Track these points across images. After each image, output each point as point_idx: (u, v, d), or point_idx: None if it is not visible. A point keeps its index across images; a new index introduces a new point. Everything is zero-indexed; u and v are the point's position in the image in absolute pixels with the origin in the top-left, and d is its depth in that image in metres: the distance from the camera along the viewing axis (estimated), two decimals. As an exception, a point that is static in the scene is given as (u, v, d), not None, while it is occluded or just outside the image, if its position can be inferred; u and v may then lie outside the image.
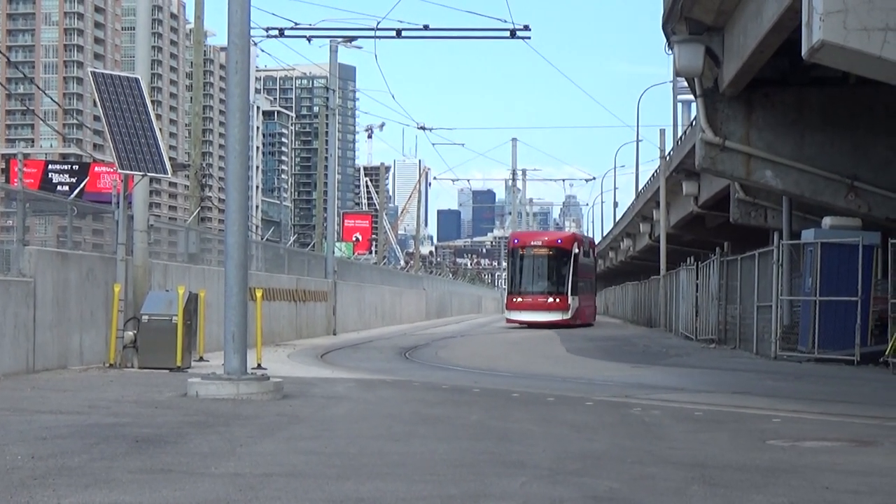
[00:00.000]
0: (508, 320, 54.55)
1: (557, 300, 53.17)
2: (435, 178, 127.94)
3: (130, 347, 20.61)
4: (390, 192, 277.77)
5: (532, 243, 55.61)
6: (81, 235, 23.76)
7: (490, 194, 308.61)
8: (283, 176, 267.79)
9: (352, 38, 42.43)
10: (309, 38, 39.44)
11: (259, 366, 20.52)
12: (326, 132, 52.67)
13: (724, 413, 14.41)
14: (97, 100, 20.61)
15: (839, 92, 25.75)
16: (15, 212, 19.40)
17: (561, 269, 53.90)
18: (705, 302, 38.45)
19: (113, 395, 15.20)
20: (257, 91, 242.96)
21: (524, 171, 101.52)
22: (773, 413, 14.27)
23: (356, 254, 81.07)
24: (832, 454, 10.68)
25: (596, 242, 78.23)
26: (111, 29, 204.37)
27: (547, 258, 54.23)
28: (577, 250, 54.91)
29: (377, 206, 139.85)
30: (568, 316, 53.01)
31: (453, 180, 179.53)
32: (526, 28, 36.13)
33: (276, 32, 38.23)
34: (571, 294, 53.60)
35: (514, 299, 54.31)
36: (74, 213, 21.98)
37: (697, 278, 40.30)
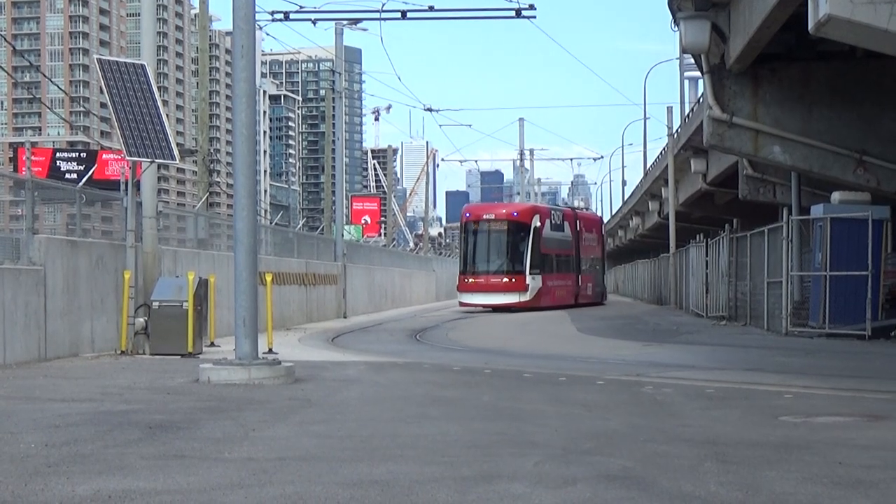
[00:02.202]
0: (461, 304, 48.91)
1: (513, 280, 47.88)
2: (443, 159, 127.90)
3: (141, 334, 20.65)
4: (398, 175, 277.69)
5: (485, 217, 49.69)
6: (90, 223, 23.80)
7: (498, 175, 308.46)
8: (290, 160, 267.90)
9: (357, 21, 42.45)
10: (314, 22, 39.42)
11: (270, 350, 20.56)
12: (333, 115, 52.63)
13: (735, 390, 14.40)
14: (104, 87, 20.62)
15: (846, 66, 25.68)
16: (24, 200, 19.42)
17: (518, 246, 48.54)
18: (715, 279, 38.42)
19: (125, 381, 15.23)
20: (263, 75, 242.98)
21: (532, 151, 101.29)
22: (785, 389, 14.26)
23: (365, 236, 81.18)
24: (845, 429, 10.67)
25: (594, 214, 69.94)
26: (116, 15, 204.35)
27: (501, 233, 48.84)
28: (537, 224, 49.34)
29: (385, 189, 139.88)
30: (526, 298, 47.70)
31: (461, 161, 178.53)
32: (531, 7, 36.07)
33: (281, 16, 38.24)
34: (531, 273, 48.19)
35: (466, 280, 48.59)
36: (83, 200, 22.02)
37: (707, 255, 40.26)
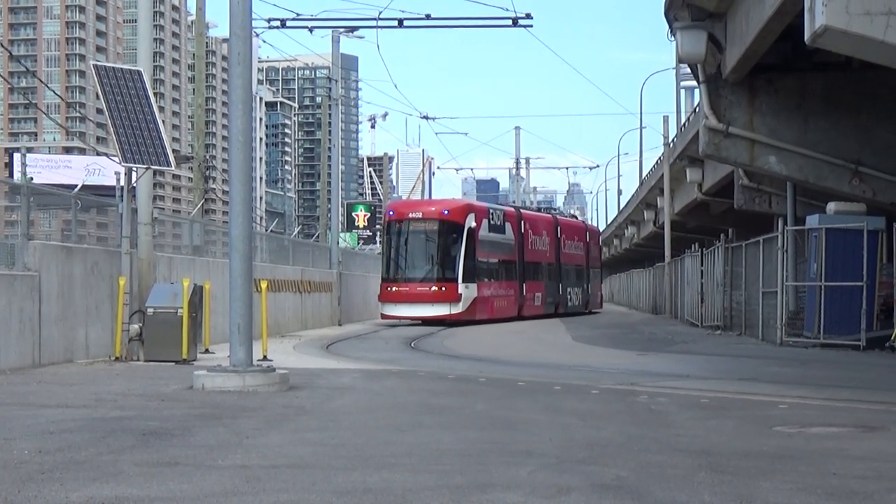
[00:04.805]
0: (383, 316, 42.95)
1: (443, 289, 41.97)
2: (438, 167, 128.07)
3: (136, 340, 20.61)
4: (394, 182, 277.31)
5: (410, 215, 43.49)
6: (86, 229, 23.80)
7: (494, 183, 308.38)
8: (286, 167, 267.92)
9: (354, 28, 42.44)
10: (311, 29, 39.45)
11: (265, 357, 20.52)
12: (329, 122, 52.68)
13: (730, 400, 14.40)
14: (100, 93, 20.62)
15: (842, 76, 25.72)
16: (19, 206, 19.39)
17: (449, 249, 42.66)
18: (710, 288, 38.45)
19: (119, 388, 15.21)
20: (260, 82, 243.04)
21: (528, 160, 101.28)
22: (780, 399, 14.25)
23: (361, 244, 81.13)
24: (839, 440, 10.67)
25: (547, 215, 58.75)
26: (113, 21, 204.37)
27: (430, 234, 42.98)
28: (472, 224, 43.37)
29: (381, 197, 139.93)
30: (459, 309, 41.95)
31: (457, 169, 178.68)
32: (528, 16, 36.13)
33: (277, 23, 38.25)
34: (465, 281, 42.30)
35: (389, 288, 42.56)
36: (79, 206, 21.99)
37: (702, 265, 40.30)
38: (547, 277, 53.45)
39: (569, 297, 56.75)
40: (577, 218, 67.93)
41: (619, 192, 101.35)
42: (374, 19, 38.07)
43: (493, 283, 45.75)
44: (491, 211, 47.41)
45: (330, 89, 50.59)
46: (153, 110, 20.94)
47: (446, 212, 43.61)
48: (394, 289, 42.39)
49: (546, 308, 52.59)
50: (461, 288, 42.23)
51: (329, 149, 55.60)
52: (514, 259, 48.80)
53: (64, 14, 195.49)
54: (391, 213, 44.68)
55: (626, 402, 13.87)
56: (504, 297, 47.01)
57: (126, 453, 9.35)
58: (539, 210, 63.71)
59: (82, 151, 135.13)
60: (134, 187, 21.32)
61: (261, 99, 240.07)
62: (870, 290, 25.02)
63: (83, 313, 20.32)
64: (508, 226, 48.53)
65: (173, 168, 21.91)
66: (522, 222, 50.51)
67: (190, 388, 14.94)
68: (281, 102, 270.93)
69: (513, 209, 52.19)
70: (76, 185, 22.96)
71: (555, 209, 68.35)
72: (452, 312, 41.81)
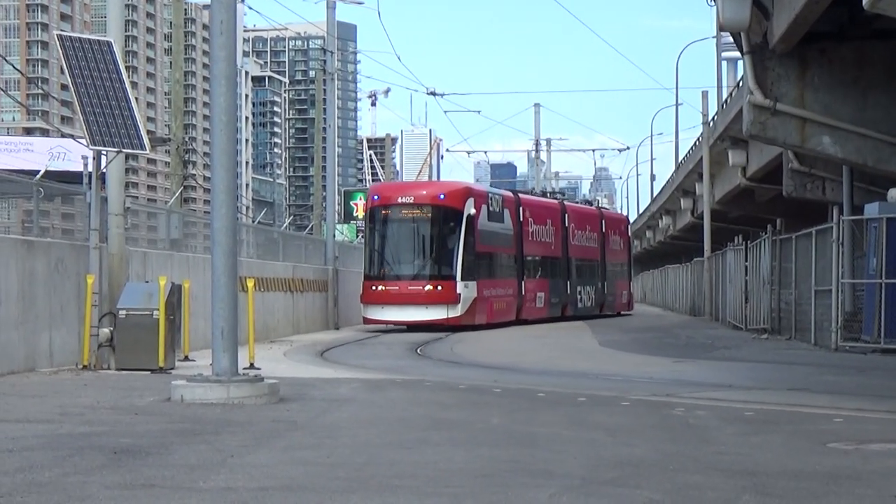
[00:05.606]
0: (366, 320, 40.92)
1: (440, 288, 39.99)
2: (448, 149, 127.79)
3: (106, 346, 20.65)
4: (397, 167, 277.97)
5: (400, 200, 41.15)
6: (49, 220, 23.80)
7: (510, 168, 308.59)
8: (276, 150, 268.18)
9: (352, -7, 42.45)
10: (303, -6, 39.44)
11: (252, 365, 20.57)
12: (324, 99, 52.72)
13: (778, 413, 14.41)
14: (65, 67, 20.65)
15: (906, 46, 25.66)
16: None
17: (446, 240, 40.65)
18: (756, 287, 38.42)
19: (87, 400, 15.25)
20: (245, 54, 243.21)
21: (549, 141, 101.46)
22: (835, 412, 14.26)
23: (360, 237, 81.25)
24: (902, 458, 10.68)
25: (552, 201, 55.31)
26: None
27: (423, 223, 40.83)
28: (471, 210, 41.03)
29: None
30: (457, 312, 39.99)
31: (468, 152, 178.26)
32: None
33: (265, -13, 38.32)
34: (464, 279, 40.29)
35: (374, 288, 40.33)
36: (41, 195, 22.01)
37: (747, 260, 40.27)
38: (551, 274, 51.00)
39: (579, 296, 54.61)
40: (592, 204, 66.19)
41: (653, 178, 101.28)
42: (375, -18, 38.07)
43: (491, 281, 43.44)
44: (490, 196, 45.20)
45: (325, 62, 50.53)
46: (125, 86, 20.97)
47: (442, 196, 41.37)
48: (380, 288, 40.31)
49: (550, 310, 50.28)
50: (460, 287, 40.29)
51: (324, 129, 55.65)
52: (512, 252, 46.42)
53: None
54: (376, 197, 42.29)
55: (660, 416, 13.89)
56: (503, 298, 44.83)
57: (95, 474, 9.37)
58: (545, 195, 61.60)
59: (45, 133, 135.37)
60: (103, 173, 21.34)
61: (246, 73, 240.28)
62: (937, 288, 24.97)
63: (46, 316, 20.35)
64: (507, 213, 46.04)
65: (148, 151, 21.93)
66: (521, 209, 47.70)
67: (167, 401, 14.97)
68: (269, 77, 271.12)
69: (511, 193, 49.51)
70: (38, 171, 22.97)
71: (561, 194, 66.17)
72: (450, 316, 40.05)
